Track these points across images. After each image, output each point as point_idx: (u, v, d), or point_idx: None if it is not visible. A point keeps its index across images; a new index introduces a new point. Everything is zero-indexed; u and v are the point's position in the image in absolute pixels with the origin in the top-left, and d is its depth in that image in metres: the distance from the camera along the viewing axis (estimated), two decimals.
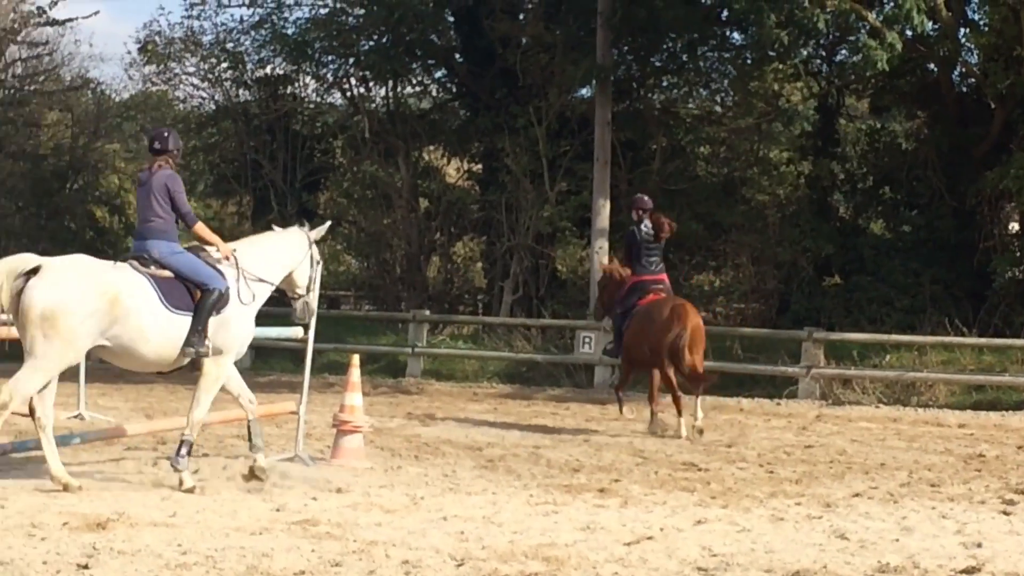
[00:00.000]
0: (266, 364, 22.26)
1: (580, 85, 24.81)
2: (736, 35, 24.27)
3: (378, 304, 26.98)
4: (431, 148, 28.07)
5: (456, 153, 28.04)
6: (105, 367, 11.55)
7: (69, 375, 16.15)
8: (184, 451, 9.04)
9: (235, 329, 9.29)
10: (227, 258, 9.44)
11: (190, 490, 8.81)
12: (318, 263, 10.31)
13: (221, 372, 9.33)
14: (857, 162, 25.06)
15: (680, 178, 24.42)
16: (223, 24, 29.89)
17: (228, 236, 29.15)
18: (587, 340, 20.46)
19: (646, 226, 14.38)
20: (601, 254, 21.83)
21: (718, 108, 27.09)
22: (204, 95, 31.19)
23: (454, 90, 28.60)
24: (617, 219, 22.67)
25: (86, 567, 6.23)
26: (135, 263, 9.03)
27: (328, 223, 11.12)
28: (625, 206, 22.94)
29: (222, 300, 9.12)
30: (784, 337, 20.49)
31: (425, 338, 22.01)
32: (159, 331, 8.86)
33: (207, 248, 9.52)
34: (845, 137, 25.62)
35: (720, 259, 25.66)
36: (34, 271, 8.52)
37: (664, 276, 14.63)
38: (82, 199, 32.30)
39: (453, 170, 28.47)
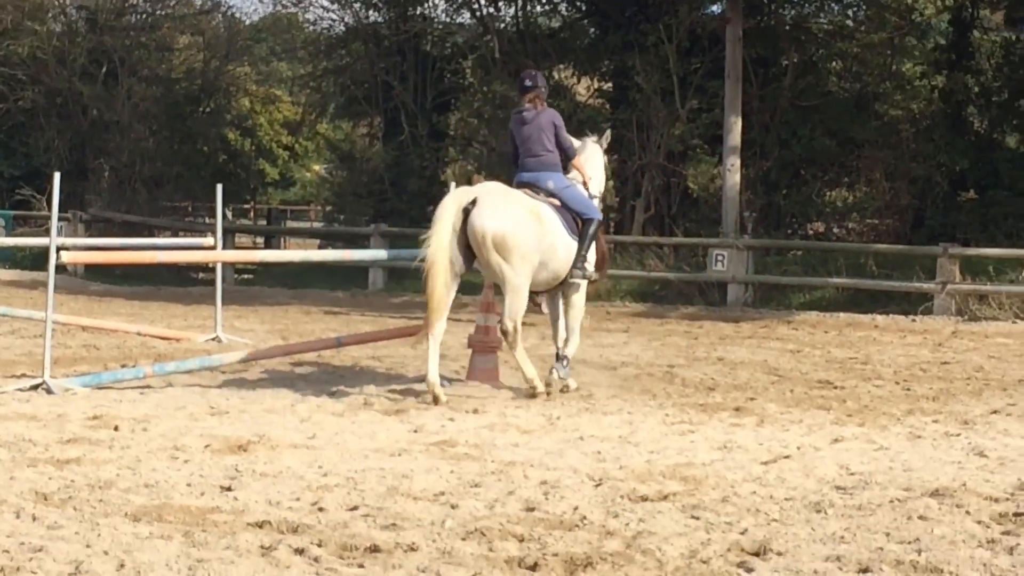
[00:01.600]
0: (399, 285, 22.93)
1: (711, 1, 24.82)
2: None
3: None
4: (561, 67, 28.11)
5: (586, 72, 27.94)
6: (239, 290, 11.58)
7: (208, 298, 16.65)
8: (566, 363, 10.28)
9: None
10: (585, 185, 10.60)
11: (574, 389, 10.18)
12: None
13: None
14: (992, 75, 24.58)
15: (812, 94, 24.15)
16: None
17: (360, 156, 30.25)
18: (720, 258, 20.56)
19: None
20: (733, 171, 22.02)
21: (850, 23, 26.63)
22: (334, 17, 31.64)
23: (583, 8, 28.47)
24: (749, 136, 22.77)
25: (229, 489, 6.34)
26: (528, 191, 10.08)
27: (609, 131, 12.21)
28: (757, 123, 23.09)
29: (599, 228, 10.30)
30: (919, 253, 20.37)
31: None
32: (563, 252, 9.93)
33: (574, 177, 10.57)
34: (979, 50, 25.01)
35: (853, 175, 25.36)
36: (472, 203, 9.50)
37: None
38: (214, 122, 33.12)
39: (583, 89, 28.41)
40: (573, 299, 10.38)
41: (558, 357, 10.33)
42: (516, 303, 9.66)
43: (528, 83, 10.46)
